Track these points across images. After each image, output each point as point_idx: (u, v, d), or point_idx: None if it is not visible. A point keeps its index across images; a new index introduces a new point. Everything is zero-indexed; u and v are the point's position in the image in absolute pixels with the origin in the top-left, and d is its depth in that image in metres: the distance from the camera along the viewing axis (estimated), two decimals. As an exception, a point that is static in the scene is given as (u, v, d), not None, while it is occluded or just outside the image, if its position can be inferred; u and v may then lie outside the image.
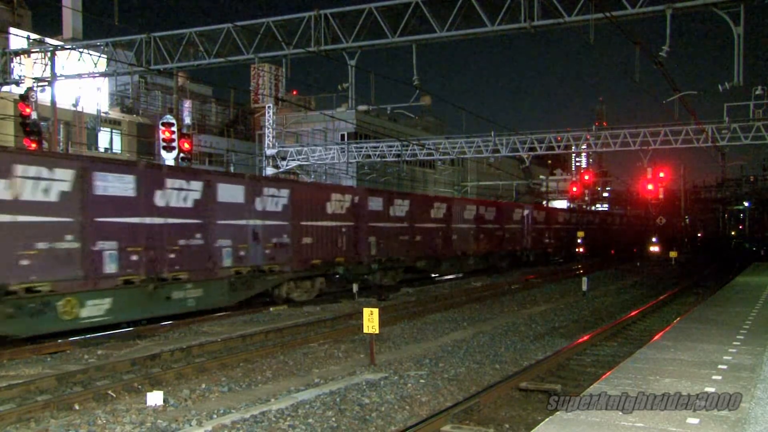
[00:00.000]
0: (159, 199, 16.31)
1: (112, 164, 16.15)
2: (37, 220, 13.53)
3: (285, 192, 20.71)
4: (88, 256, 14.51)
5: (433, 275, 30.62)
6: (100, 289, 14.81)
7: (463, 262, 32.21)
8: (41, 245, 13.58)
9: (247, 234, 19.11)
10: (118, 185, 15.21)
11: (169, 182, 16.59)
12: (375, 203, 25.51)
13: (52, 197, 13.85)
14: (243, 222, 19.01)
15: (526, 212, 39.08)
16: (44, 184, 13.66)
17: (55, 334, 14.48)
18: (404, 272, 28.02)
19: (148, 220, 15.89)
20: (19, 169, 13.28)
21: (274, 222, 20.17)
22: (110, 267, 15.01)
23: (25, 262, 13.28)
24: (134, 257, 15.55)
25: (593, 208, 69.48)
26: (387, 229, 25.91)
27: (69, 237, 14.15)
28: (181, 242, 16.77)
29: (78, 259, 14.33)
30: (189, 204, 17.18)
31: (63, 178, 14.04)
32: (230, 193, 18.56)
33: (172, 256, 16.50)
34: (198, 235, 17.36)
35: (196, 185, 17.47)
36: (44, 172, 13.68)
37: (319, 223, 22.12)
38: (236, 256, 18.64)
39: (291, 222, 20.85)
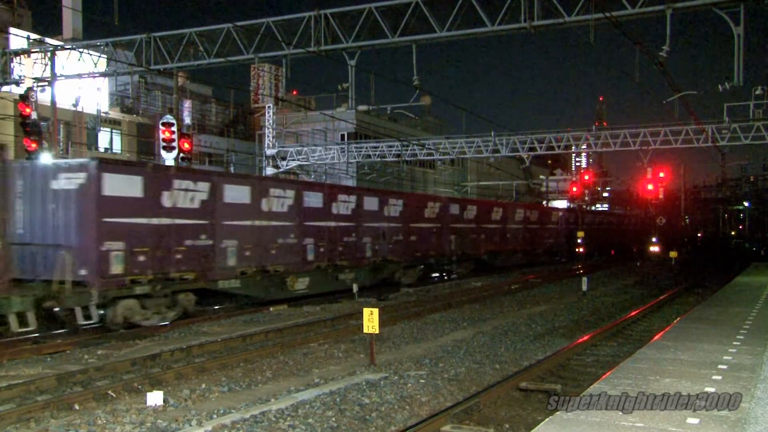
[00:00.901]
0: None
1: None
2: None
3: (401, 201, 27.57)
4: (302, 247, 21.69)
5: (493, 265, 37.07)
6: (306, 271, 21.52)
7: (513, 255, 39.05)
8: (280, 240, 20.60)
9: (378, 233, 25.70)
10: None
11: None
12: (453, 208, 32.08)
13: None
14: (377, 225, 25.76)
15: (560, 214, 48.40)
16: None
17: (55, 333, 14.80)
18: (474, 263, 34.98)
19: (330, 223, 23.10)
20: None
21: (393, 224, 26.71)
22: (311, 256, 21.90)
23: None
24: (322, 250, 22.35)
25: (593, 208, 69.42)
26: (462, 229, 32.53)
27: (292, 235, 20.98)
28: (346, 239, 23.81)
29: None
30: (347, 212, 24.12)
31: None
32: (371, 203, 25.66)
33: (341, 249, 23.44)
34: (354, 235, 24.34)
35: (352, 199, 24.79)
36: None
37: (421, 225, 28.80)
38: (373, 249, 25.32)
39: (403, 224, 27.33)
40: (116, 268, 15.07)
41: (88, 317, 14.61)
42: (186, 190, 17.00)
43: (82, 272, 14.65)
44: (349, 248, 23.78)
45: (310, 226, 21.70)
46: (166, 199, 16.44)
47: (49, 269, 14.71)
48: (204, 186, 17.62)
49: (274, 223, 20.10)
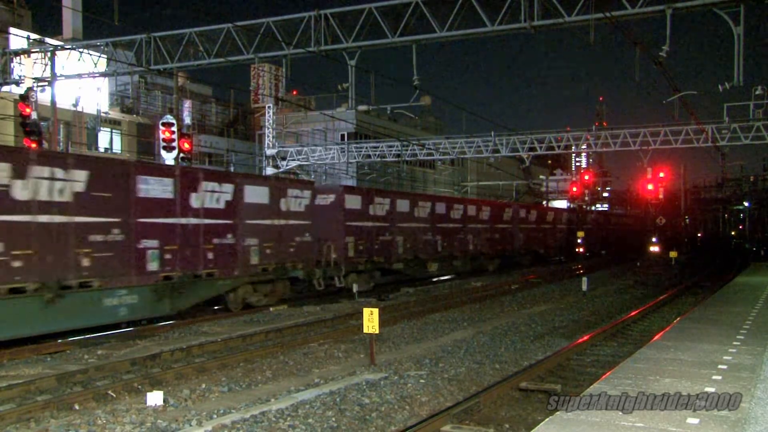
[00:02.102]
0: (419, 212, 29.78)
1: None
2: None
3: (489, 208, 36.27)
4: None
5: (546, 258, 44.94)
6: (436, 259, 30.34)
7: (551, 250, 46.37)
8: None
9: (476, 233, 34.20)
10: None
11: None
12: (522, 212, 40.89)
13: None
14: (475, 226, 34.31)
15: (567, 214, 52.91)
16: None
17: (55, 334, 14.72)
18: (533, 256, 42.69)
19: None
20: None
21: (485, 226, 35.29)
22: (439, 248, 31.12)
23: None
24: (445, 244, 31.78)
25: (593, 208, 69.43)
26: (527, 229, 41.44)
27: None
28: (458, 236, 32.18)
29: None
30: (458, 217, 32.95)
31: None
32: (472, 210, 34.46)
33: (456, 244, 32.35)
34: (462, 234, 32.73)
35: (461, 206, 33.39)
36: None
37: (501, 226, 37.40)
38: (473, 245, 34.19)
39: (491, 226, 35.91)
40: (352, 254, 24.29)
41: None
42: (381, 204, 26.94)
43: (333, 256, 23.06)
44: (460, 243, 32.95)
45: (439, 227, 30.88)
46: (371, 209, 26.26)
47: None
48: (385, 201, 27.20)
49: (422, 225, 29.54)
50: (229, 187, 18.53)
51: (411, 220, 28.56)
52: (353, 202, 24.86)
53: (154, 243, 16.01)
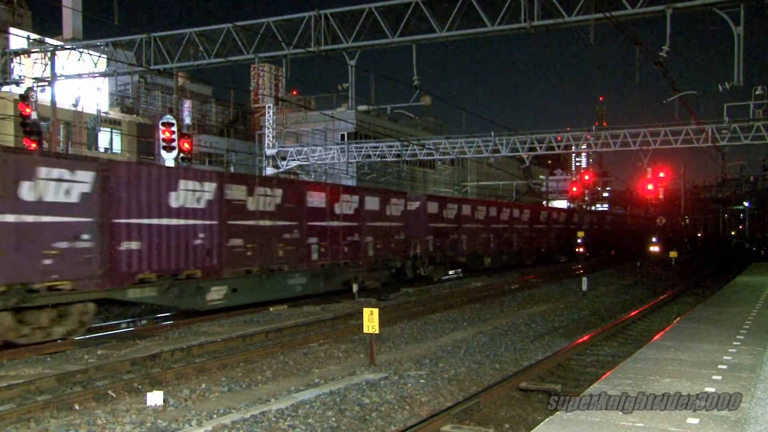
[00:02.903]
0: (478, 215, 34.31)
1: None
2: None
3: (528, 211, 41.36)
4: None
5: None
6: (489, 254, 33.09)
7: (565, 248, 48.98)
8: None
9: (518, 231, 39.12)
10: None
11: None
12: (554, 214, 47.14)
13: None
14: (519, 227, 39.41)
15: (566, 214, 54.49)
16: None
17: (56, 338, 14.68)
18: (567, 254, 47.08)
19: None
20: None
21: (524, 226, 39.97)
22: (491, 245, 35.41)
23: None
24: (497, 243, 36.37)
25: (593, 208, 69.45)
26: (559, 229, 46.79)
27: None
28: (505, 236, 37.09)
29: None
30: (506, 218, 37.62)
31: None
32: (516, 213, 39.28)
33: (501, 242, 36.79)
34: (507, 233, 37.49)
35: (507, 211, 38.01)
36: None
37: (537, 227, 42.16)
38: (516, 242, 38.94)
39: (530, 226, 40.57)
40: (431, 249, 28.83)
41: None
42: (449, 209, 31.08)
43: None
44: (506, 241, 37.40)
45: (492, 228, 35.46)
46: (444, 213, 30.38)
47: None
48: (454, 206, 31.51)
49: (480, 226, 34.13)
50: (356, 198, 24.09)
51: (472, 221, 33.54)
52: (433, 207, 29.58)
53: (315, 240, 21.63)
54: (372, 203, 24.84)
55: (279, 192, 20.23)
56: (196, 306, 17.57)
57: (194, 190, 17.13)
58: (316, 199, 21.81)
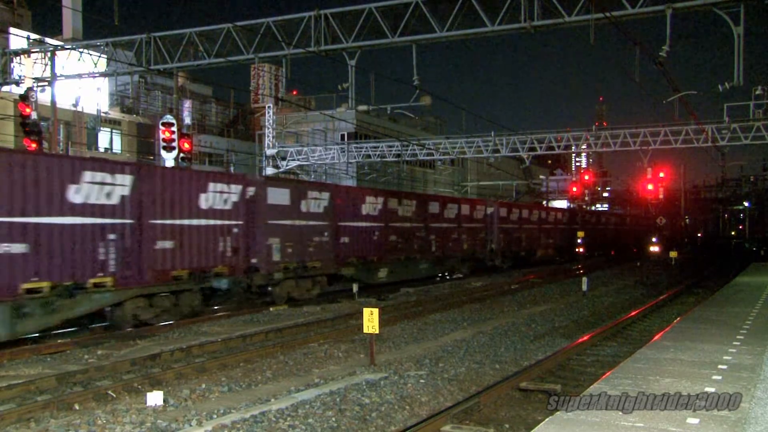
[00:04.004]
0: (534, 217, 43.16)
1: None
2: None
3: (537, 212, 44.74)
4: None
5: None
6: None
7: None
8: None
9: (551, 231, 46.52)
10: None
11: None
12: (591, 216, 56.57)
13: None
14: (549, 227, 46.36)
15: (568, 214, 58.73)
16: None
17: (55, 333, 15.04)
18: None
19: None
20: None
21: (552, 227, 47.63)
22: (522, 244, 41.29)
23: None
24: (528, 241, 42.01)
25: (593, 208, 69.46)
26: (594, 228, 54.57)
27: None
28: (539, 236, 44.07)
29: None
30: (536, 220, 43.48)
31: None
32: (552, 216, 47.00)
33: (539, 240, 43.61)
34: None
35: (543, 213, 46.09)
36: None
37: (550, 227, 47.34)
38: (547, 241, 45.71)
39: (571, 226, 48.74)
40: (503, 245, 37.44)
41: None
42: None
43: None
44: (548, 238, 45.32)
45: (542, 228, 43.93)
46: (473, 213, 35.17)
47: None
48: (487, 209, 36.14)
49: (534, 226, 41.95)
50: (455, 205, 32.50)
51: (528, 223, 41.56)
52: (503, 211, 37.85)
53: (433, 237, 29.90)
54: (465, 209, 33.47)
55: (414, 201, 28.77)
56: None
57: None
58: (433, 206, 30.33)
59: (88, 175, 14.72)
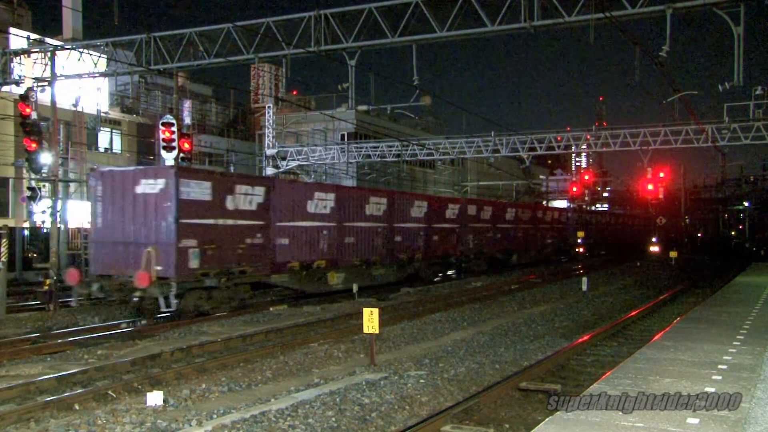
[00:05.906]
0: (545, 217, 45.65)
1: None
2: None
3: (557, 213, 48.35)
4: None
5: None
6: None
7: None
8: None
9: (561, 231, 48.21)
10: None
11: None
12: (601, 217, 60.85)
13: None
14: (560, 226, 48.81)
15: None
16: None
17: (55, 333, 15.02)
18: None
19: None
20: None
21: (561, 226, 49.50)
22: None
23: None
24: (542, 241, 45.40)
25: (593, 208, 69.43)
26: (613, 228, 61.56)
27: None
28: (544, 236, 45.01)
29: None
30: (549, 220, 45.85)
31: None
32: (570, 217, 50.16)
33: (547, 241, 45.61)
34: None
35: (557, 214, 48.79)
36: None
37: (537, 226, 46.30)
38: (547, 242, 45.43)
39: (552, 227, 47.11)
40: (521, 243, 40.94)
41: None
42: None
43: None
44: (535, 241, 43.46)
45: (555, 228, 46.16)
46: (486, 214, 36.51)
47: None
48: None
49: (546, 226, 44.55)
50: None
51: (543, 222, 43.66)
52: (511, 213, 38.82)
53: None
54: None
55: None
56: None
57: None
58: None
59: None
